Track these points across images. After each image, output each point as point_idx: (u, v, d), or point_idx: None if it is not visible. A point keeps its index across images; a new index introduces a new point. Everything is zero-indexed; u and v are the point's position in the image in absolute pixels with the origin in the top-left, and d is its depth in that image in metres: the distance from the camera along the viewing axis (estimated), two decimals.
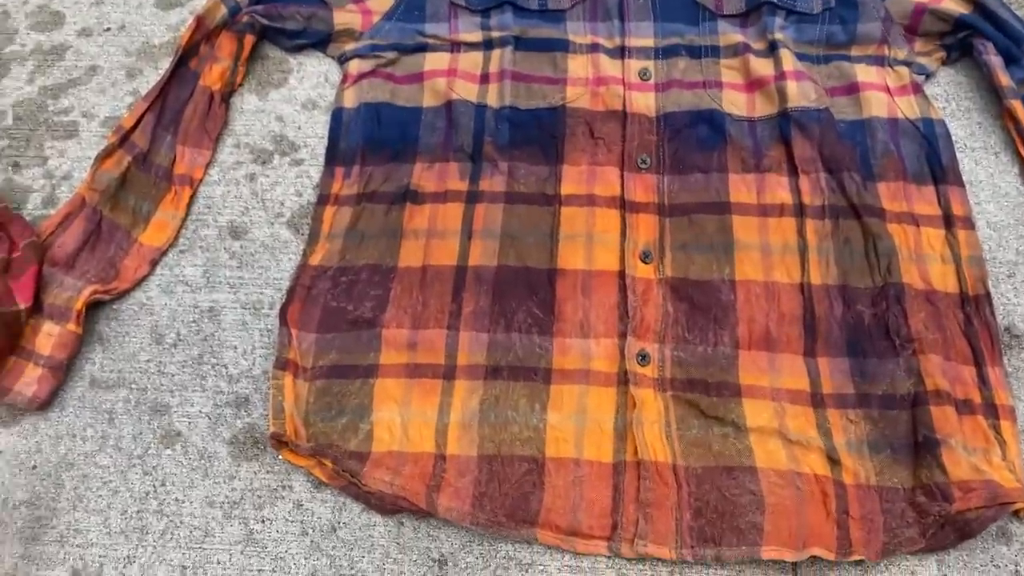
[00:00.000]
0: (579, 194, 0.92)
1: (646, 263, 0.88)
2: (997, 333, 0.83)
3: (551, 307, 0.86)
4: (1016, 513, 0.76)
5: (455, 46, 1.02)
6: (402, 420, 0.82)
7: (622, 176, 0.93)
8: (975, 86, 0.99)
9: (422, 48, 1.02)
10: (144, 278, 0.91)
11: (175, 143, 0.97)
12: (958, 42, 0.98)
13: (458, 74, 1.00)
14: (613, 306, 0.86)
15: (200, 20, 1.00)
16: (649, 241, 0.89)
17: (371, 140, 0.97)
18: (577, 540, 0.77)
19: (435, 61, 1.01)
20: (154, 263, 0.92)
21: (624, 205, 0.91)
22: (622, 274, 0.88)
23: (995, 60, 0.95)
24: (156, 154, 0.96)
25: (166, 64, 1.04)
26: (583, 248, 0.89)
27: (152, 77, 1.03)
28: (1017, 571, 0.75)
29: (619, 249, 0.89)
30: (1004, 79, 0.94)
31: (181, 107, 0.98)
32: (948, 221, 0.89)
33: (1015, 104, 0.93)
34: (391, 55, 1.01)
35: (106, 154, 0.93)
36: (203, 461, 0.82)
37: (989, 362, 0.82)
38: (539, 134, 0.96)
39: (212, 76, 1.00)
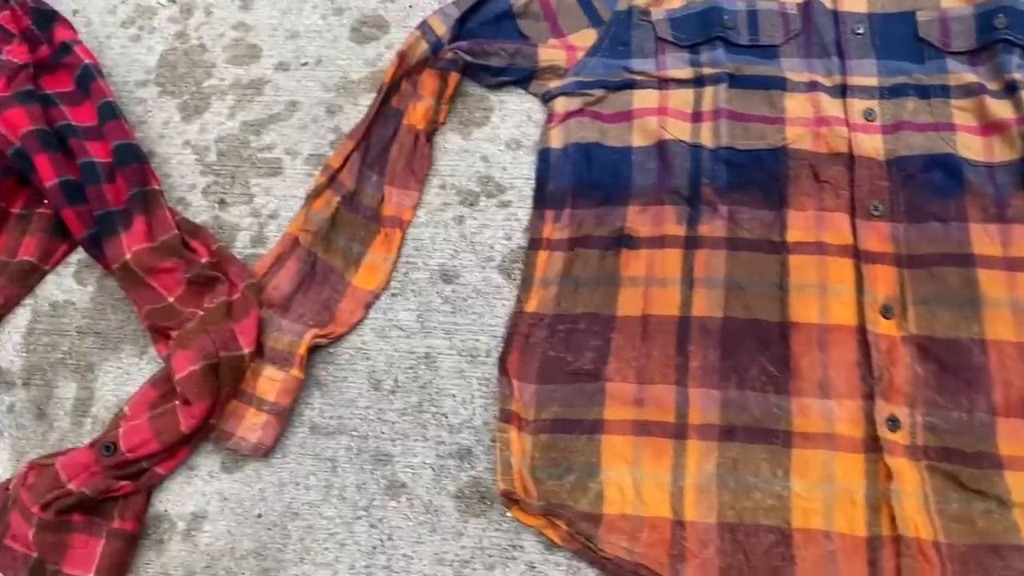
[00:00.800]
0: (807, 241, 0.87)
1: (888, 318, 0.83)
2: None
3: (786, 363, 0.82)
4: None
5: (663, 83, 0.99)
6: (634, 480, 0.78)
7: (853, 223, 0.88)
8: None
9: (629, 85, 0.99)
10: (359, 322, 0.89)
11: (382, 183, 0.95)
12: None
13: (669, 112, 0.96)
14: (854, 364, 0.81)
15: (402, 56, 0.98)
16: (889, 295, 0.84)
17: (581, 182, 0.94)
18: None
19: (644, 99, 0.98)
20: (368, 306, 0.90)
21: (858, 255, 0.86)
22: (861, 329, 0.82)
23: None
24: (363, 194, 0.95)
25: (365, 100, 1.03)
26: (816, 300, 0.84)
27: (351, 113, 1.02)
28: None
29: (856, 302, 0.84)
30: None
31: (386, 146, 0.97)
32: None
33: None
34: (598, 92, 0.98)
35: (316, 194, 0.92)
36: (429, 515, 0.80)
37: None
38: (760, 176, 0.92)
39: (416, 115, 0.99)
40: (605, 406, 0.82)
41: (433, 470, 0.82)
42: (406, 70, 0.99)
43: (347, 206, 0.94)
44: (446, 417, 0.84)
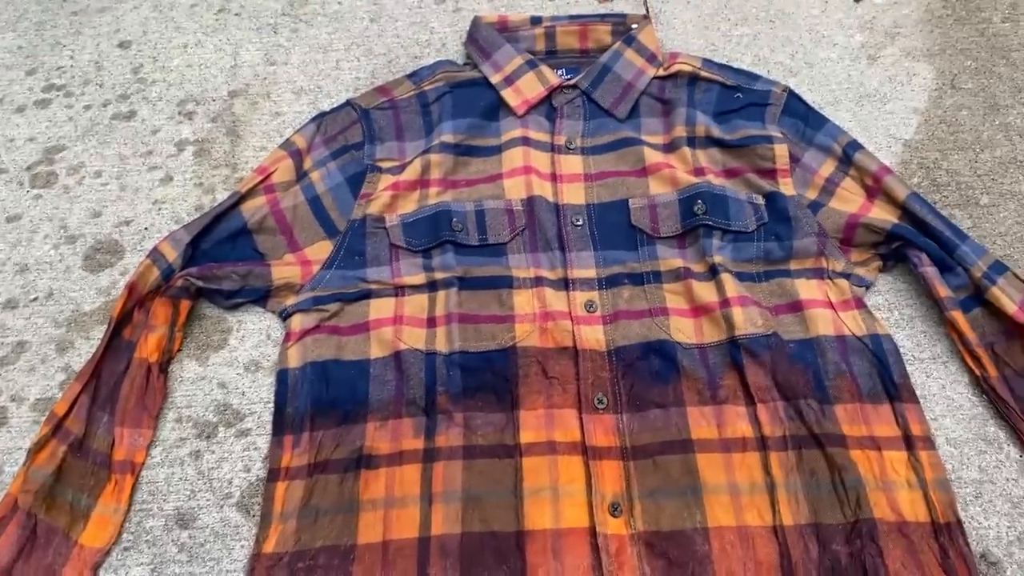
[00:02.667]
0: (539, 442, 0.90)
1: (616, 516, 0.85)
2: (974, 564, 0.81)
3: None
4: None
5: (399, 290, 1.01)
6: None
7: (580, 419, 0.91)
8: (916, 292, 1.01)
9: (366, 295, 1.01)
10: None
11: (113, 425, 0.92)
12: (892, 251, 1.01)
13: (404, 321, 0.98)
14: (587, 569, 0.83)
15: (132, 287, 0.97)
16: (616, 491, 0.87)
17: (319, 402, 0.93)
18: None
19: (380, 308, 1.00)
20: (97, 567, 0.86)
21: (586, 451, 0.89)
22: (593, 531, 0.85)
23: (930, 271, 0.97)
24: (93, 439, 0.91)
25: (98, 333, 1.00)
26: (549, 504, 0.86)
27: (84, 349, 0.99)
28: None
29: (587, 502, 0.86)
30: (942, 290, 0.96)
31: (117, 383, 0.94)
32: (909, 442, 0.89)
33: (956, 315, 0.95)
34: (334, 306, 0.99)
35: (38, 447, 0.88)
36: None
37: None
38: (492, 378, 0.94)
39: (148, 346, 0.97)
40: None
41: None
42: (137, 300, 0.97)
43: (75, 454, 0.90)
44: None
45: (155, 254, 0.99)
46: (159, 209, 1.09)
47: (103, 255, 1.06)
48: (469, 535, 0.85)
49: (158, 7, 1.29)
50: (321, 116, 1.13)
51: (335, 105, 1.15)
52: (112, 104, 1.19)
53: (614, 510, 0.86)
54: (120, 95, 1.19)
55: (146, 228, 1.08)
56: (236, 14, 1.28)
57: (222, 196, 1.09)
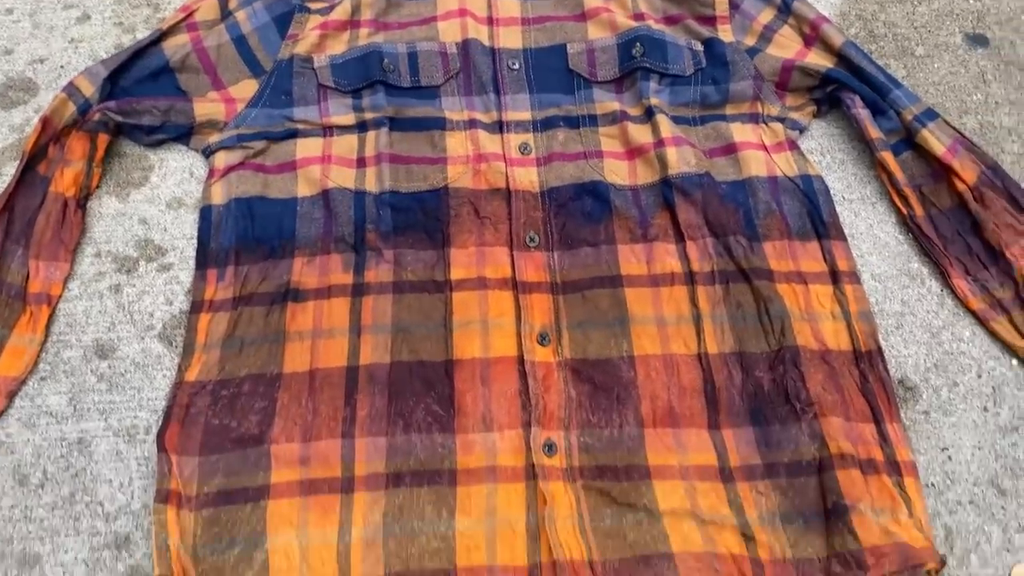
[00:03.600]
0: (470, 278, 0.89)
1: (544, 346, 0.85)
2: (892, 388, 0.84)
3: (451, 401, 0.83)
4: (928, 572, 0.76)
5: (327, 130, 0.98)
6: (300, 545, 0.76)
7: (512, 256, 0.90)
8: (848, 137, 1.01)
9: (292, 134, 0.98)
10: (1, 414, 0.83)
11: (27, 258, 0.89)
12: (827, 96, 1.00)
13: (333, 160, 0.96)
14: (515, 394, 0.83)
15: (46, 121, 0.92)
16: (545, 322, 0.87)
17: (244, 238, 0.91)
18: None
19: (308, 148, 0.97)
20: (12, 395, 0.84)
21: (516, 286, 0.89)
22: (521, 360, 0.85)
23: (863, 113, 0.97)
24: (6, 271, 0.88)
25: (10, 169, 0.96)
26: (479, 335, 0.86)
27: None
28: None
29: (516, 333, 0.86)
30: (873, 132, 0.96)
31: (31, 218, 0.91)
32: (835, 277, 0.90)
33: (886, 156, 0.95)
34: (260, 144, 0.96)
35: None
36: None
37: (887, 418, 0.82)
38: (423, 218, 0.93)
39: (64, 181, 0.93)
40: (271, 470, 0.79)
41: (87, 565, 0.76)
42: (52, 135, 0.93)
43: None
44: (102, 505, 0.79)
45: (71, 88, 0.95)
46: (76, 48, 1.04)
47: (16, 92, 1.01)
48: (398, 364, 0.84)
49: None
50: None
51: None
52: None
53: (542, 340, 0.86)
54: None
55: (62, 66, 1.03)
56: None
57: (143, 35, 1.04)
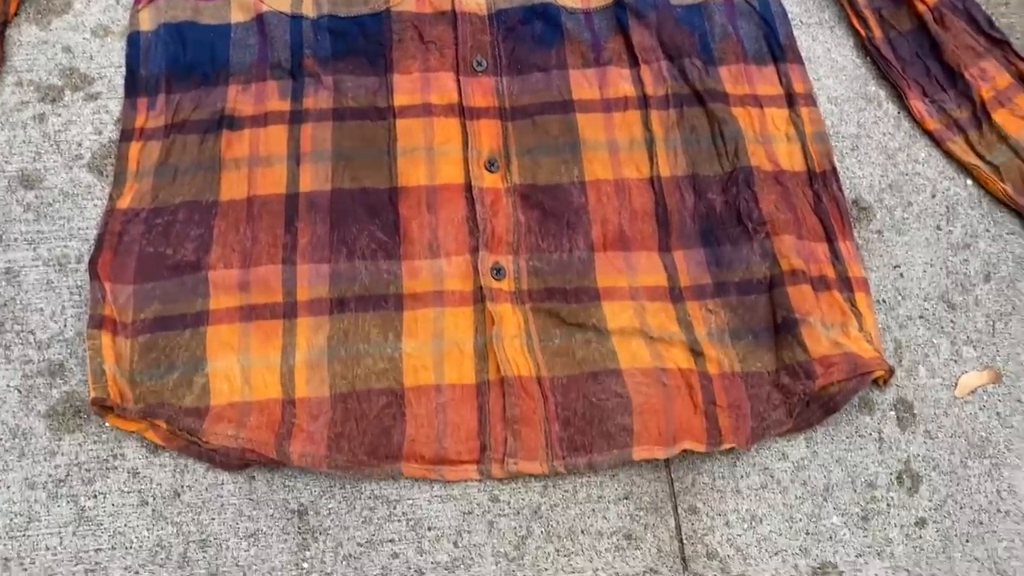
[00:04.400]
0: (414, 104, 0.85)
1: (492, 172, 0.83)
2: (846, 207, 0.82)
3: (396, 228, 0.80)
4: (876, 382, 0.76)
5: None
6: (242, 368, 0.74)
7: (458, 81, 0.87)
8: None
9: None
10: None
11: None
12: None
13: None
14: (462, 221, 0.81)
15: None
16: (493, 148, 0.84)
17: (176, 64, 0.86)
18: (445, 468, 0.73)
19: None
20: None
21: (463, 112, 0.85)
22: (468, 186, 0.82)
23: None
24: None
25: None
26: (424, 162, 0.83)
27: None
28: (881, 437, 0.75)
29: (463, 160, 0.83)
30: None
31: None
32: (790, 99, 0.88)
33: None
34: None
35: None
36: (17, 440, 0.72)
37: (840, 237, 0.81)
38: (364, 43, 0.88)
39: None
40: (209, 296, 0.77)
41: (20, 392, 0.74)
42: None
43: None
44: (33, 334, 0.76)
45: None
46: None
47: None
48: (339, 191, 0.81)
49: None
50: None
51: None
52: None
53: (490, 166, 0.83)
54: None
55: None
56: None
57: None
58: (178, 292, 0.77)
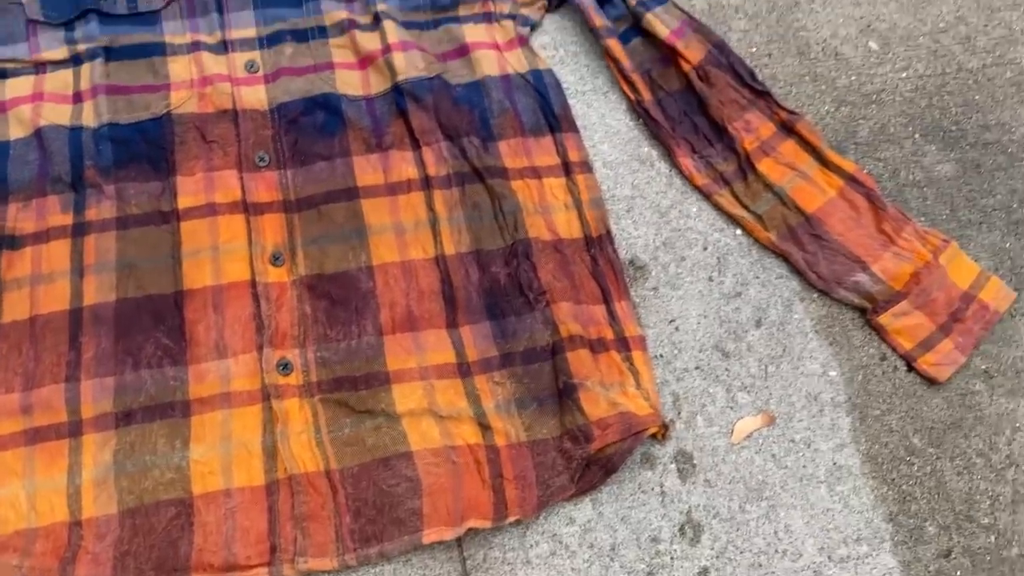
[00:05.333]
0: (198, 205, 0.86)
1: (277, 266, 0.84)
2: (620, 268, 0.86)
3: (181, 333, 0.81)
4: (655, 436, 0.80)
5: (39, 67, 0.92)
6: (27, 494, 0.74)
7: (241, 178, 0.88)
8: (580, 29, 1.01)
9: (0, 75, 0.92)
10: None
11: None
12: None
13: (45, 98, 0.90)
14: (249, 318, 0.82)
15: None
16: (278, 242, 0.85)
17: None
18: (235, 575, 0.73)
19: (17, 88, 0.91)
20: None
21: (248, 208, 0.86)
22: (254, 283, 0.83)
23: (587, 3, 0.97)
24: None
25: None
26: (209, 262, 0.84)
27: None
28: (663, 491, 0.78)
29: (248, 257, 0.84)
30: (598, 20, 0.97)
31: None
32: (567, 168, 0.91)
33: (611, 43, 0.96)
34: None
35: None
36: None
37: (616, 298, 0.85)
38: (147, 148, 0.89)
39: None
40: None
41: None
42: None
43: None
44: None
45: None
46: None
47: None
48: (124, 301, 0.82)
49: None
50: None
51: None
52: None
53: (275, 260, 0.84)
54: None
55: None
56: None
57: None
58: None
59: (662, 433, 0.79)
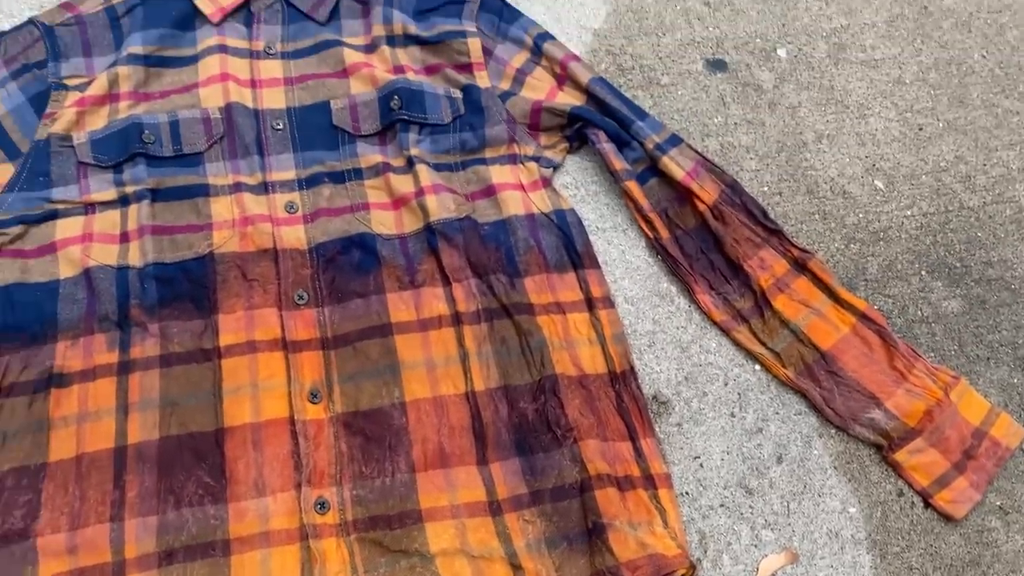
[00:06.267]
0: (239, 343, 0.90)
1: (315, 403, 0.87)
2: (644, 405, 0.89)
3: (222, 471, 0.83)
4: None
5: (89, 208, 0.97)
6: None
7: (281, 316, 0.92)
8: (600, 169, 1.07)
9: (52, 216, 0.96)
10: None
11: None
12: (576, 132, 1.06)
13: (94, 238, 0.95)
14: (288, 456, 0.85)
15: None
16: (316, 379, 0.89)
17: (4, 327, 0.89)
18: None
19: (68, 228, 0.96)
20: None
21: (287, 346, 0.90)
22: (293, 420, 0.86)
23: (607, 147, 1.03)
24: None
25: None
26: (249, 399, 0.87)
27: None
28: None
29: (287, 394, 0.88)
30: (618, 163, 1.02)
31: None
32: (590, 304, 0.95)
33: (629, 185, 1.02)
34: (17, 229, 0.95)
35: None
36: None
37: (642, 435, 0.88)
38: (189, 287, 0.93)
39: None
40: (38, 564, 0.78)
41: None
42: None
43: None
44: None
45: None
46: None
47: None
48: (167, 439, 0.85)
49: None
50: (1, 36, 1.06)
51: (17, 24, 1.08)
52: None
53: (313, 397, 0.88)
54: None
55: None
56: None
57: None
58: (7, 564, 0.78)
59: (690, 574, 0.81)
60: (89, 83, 1.04)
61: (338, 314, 0.93)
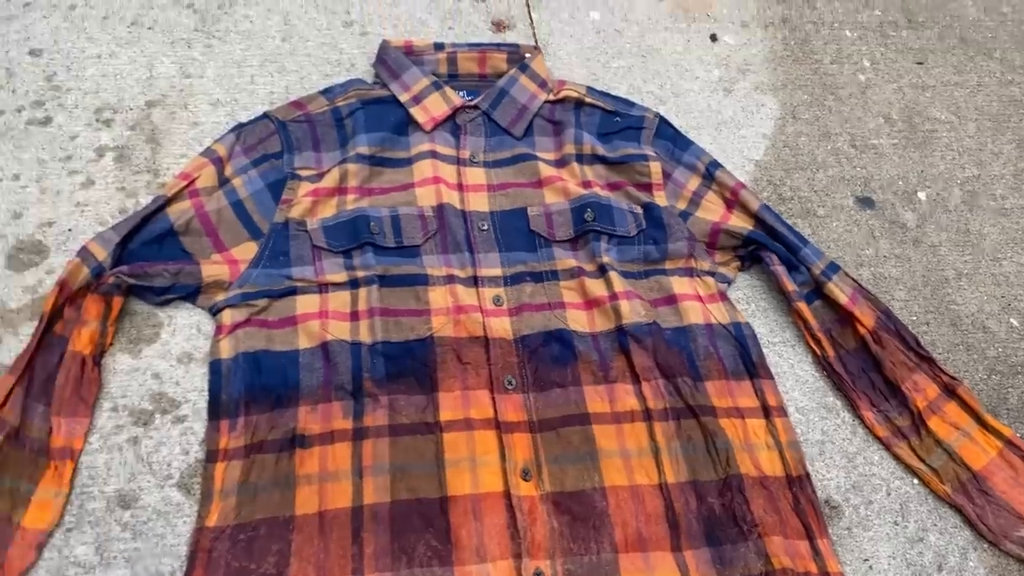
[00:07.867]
0: (457, 419, 1.01)
1: (527, 480, 0.98)
2: (819, 507, 0.99)
3: (447, 536, 0.93)
4: None
5: (323, 287, 1.10)
6: None
7: (493, 398, 1.03)
8: (768, 288, 1.19)
9: (292, 292, 1.09)
10: (31, 566, 0.89)
11: (49, 414, 0.96)
12: (749, 253, 1.19)
13: (330, 315, 1.07)
14: (504, 527, 0.95)
15: (63, 284, 1.01)
16: (527, 459, 0.99)
17: (252, 389, 1.01)
18: None
19: (306, 304, 1.08)
20: (40, 548, 0.90)
21: (499, 426, 1.01)
22: (507, 494, 0.96)
23: (780, 269, 1.16)
24: (30, 428, 0.95)
25: (26, 329, 1.04)
26: (468, 472, 0.98)
27: (13, 345, 1.02)
28: None
29: (501, 470, 0.98)
30: (789, 285, 1.15)
31: (51, 375, 0.98)
32: (766, 411, 1.06)
33: (800, 306, 1.14)
34: (262, 302, 1.07)
35: None
36: None
37: (818, 535, 0.98)
38: (413, 364, 1.05)
39: (81, 340, 1.01)
40: None
41: None
42: (68, 297, 1.02)
43: (12, 444, 0.93)
44: None
45: (84, 253, 1.04)
46: (82, 211, 1.14)
47: (26, 254, 1.09)
48: (397, 503, 0.95)
49: (68, 18, 1.32)
50: (240, 127, 1.20)
51: (252, 117, 1.23)
52: (26, 110, 1.21)
53: (525, 475, 0.98)
54: (35, 101, 1.22)
55: (69, 229, 1.12)
56: (149, 28, 1.33)
57: (145, 200, 1.15)
58: None
59: None
60: (319, 175, 1.18)
61: (541, 400, 1.04)
